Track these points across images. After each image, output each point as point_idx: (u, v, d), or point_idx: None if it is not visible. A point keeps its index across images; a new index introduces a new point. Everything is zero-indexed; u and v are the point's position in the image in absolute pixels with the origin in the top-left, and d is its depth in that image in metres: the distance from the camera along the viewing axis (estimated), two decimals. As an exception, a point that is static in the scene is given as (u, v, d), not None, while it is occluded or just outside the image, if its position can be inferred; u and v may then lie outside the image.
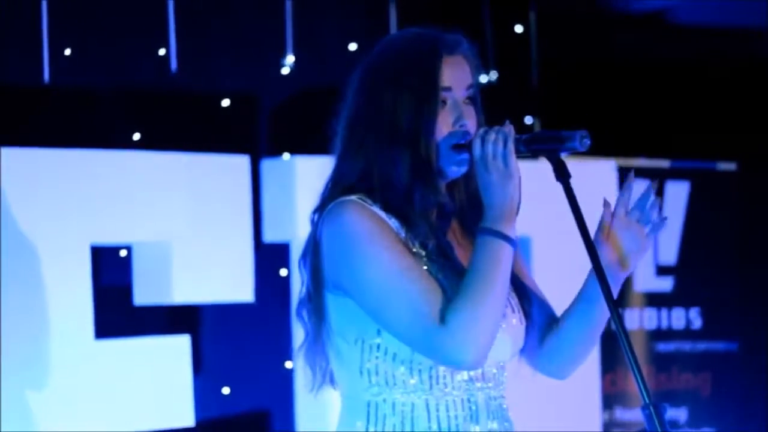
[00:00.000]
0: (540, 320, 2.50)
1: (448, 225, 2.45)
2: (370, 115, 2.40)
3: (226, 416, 4.39)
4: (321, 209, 2.41)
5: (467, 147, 2.38)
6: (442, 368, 2.37)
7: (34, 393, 3.83)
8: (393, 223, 2.38)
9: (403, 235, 2.38)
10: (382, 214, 2.37)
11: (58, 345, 3.87)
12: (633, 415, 5.27)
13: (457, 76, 2.41)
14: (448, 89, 2.40)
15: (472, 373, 2.40)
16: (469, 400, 2.40)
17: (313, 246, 2.40)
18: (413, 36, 2.45)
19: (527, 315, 2.48)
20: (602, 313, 2.46)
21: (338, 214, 2.36)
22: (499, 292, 2.32)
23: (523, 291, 2.50)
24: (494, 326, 2.32)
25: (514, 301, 2.46)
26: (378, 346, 2.37)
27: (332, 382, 2.46)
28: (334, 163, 2.44)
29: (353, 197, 2.37)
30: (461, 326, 2.29)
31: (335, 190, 2.41)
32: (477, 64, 2.47)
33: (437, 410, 2.39)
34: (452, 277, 2.36)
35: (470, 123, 2.41)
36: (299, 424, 4.32)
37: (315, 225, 2.41)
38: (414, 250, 2.37)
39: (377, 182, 2.38)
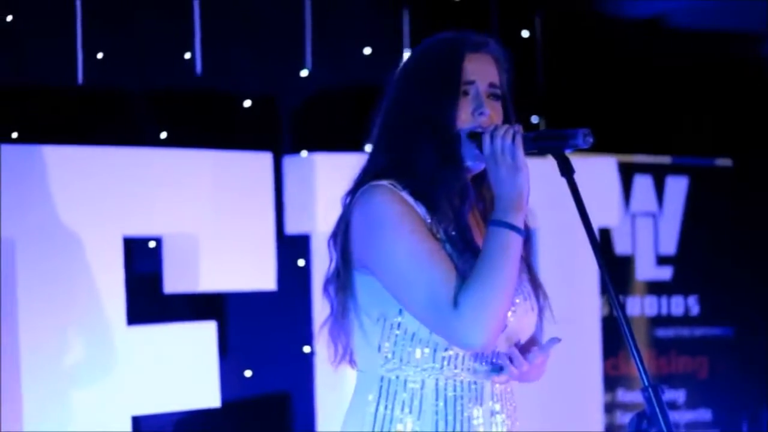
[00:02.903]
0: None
1: (469, 209, 2.45)
2: (401, 109, 2.44)
3: (250, 397, 4.42)
4: (352, 192, 2.44)
5: (480, 137, 2.40)
6: (456, 350, 2.39)
7: (70, 376, 3.85)
8: (420, 209, 2.40)
9: (428, 221, 2.40)
10: (411, 199, 2.40)
11: (93, 331, 3.89)
12: (634, 396, 5.28)
13: (479, 71, 2.43)
14: (471, 82, 2.42)
15: (482, 356, 2.41)
16: (475, 383, 2.43)
17: (344, 226, 2.42)
18: (443, 38, 2.49)
19: (539, 304, 2.50)
20: None
21: (369, 197, 2.39)
22: (508, 278, 2.33)
23: (536, 281, 2.52)
24: (503, 309, 2.34)
25: (527, 289, 2.48)
26: (399, 325, 2.39)
27: (351, 360, 2.49)
28: (369, 154, 2.48)
29: (384, 182, 2.40)
30: (471, 309, 2.30)
31: (367, 176, 2.44)
32: (505, 66, 2.48)
33: (445, 389, 2.41)
34: (472, 263, 2.37)
35: (492, 114, 2.42)
36: (319, 405, 4.33)
37: (346, 206, 2.44)
38: (438, 236, 2.39)
39: (406, 168, 2.40)
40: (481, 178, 2.47)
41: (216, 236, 4.16)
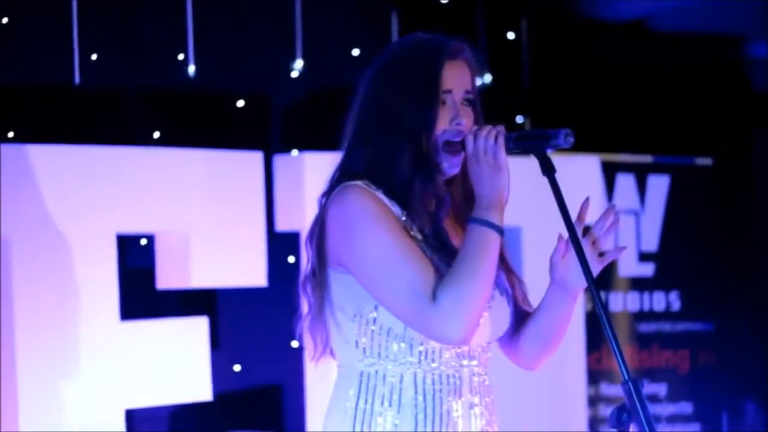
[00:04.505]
0: (516, 312, 2.53)
1: (445, 214, 2.47)
2: (378, 112, 2.43)
3: (241, 390, 4.42)
4: (328, 193, 2.44)
5: (460, 144, 2.41)
6: (432, 344, 2.39)
7: (64, 370, 3.85)
8: (395, 208, 2.40)
9: (403, 219, 2.40)
10: (385, 198, 2.39)
11: (87, 326, 3.89)
12: (617, 390, 5.29)
13: (457, 80, 2.43)
14: (448, 91, 2.42)
15: (459, 350, 2.42)
16: (454, 376, 2.42)
17: (320, 226, 2.42)
18: (420, 41, 2.48)
19: (514, 300, 2.51)
20: (565, 312, 2.50)
21: (344, 196, 2.39)
22: (486, 275, 2.33)
23: (512, 278, 2.52)
24: (481, 305, 2.34)
25: (504, 285, 2.49)
26: (374, 321, 2.39)
27: (332, 353, 2.48)
28: (343, 154, 2.47)
29: (359, 182, 2.40)
30: (450, 304, 2.30)
31: (342, 177, 2.43)
32: (478, 70, 2.49)
33: (424, 383, 2.40)
34: (446, 260, 2.38)
35: (466, 122, 2.43)
36: (309, 397, 4.33)
37: (322, 207, 2.44)
38: (412, 233, 2.39)
39: (382, 172, 2.40)
40: (453, 179, 2.47)
41: (208, 233, 4.15)
